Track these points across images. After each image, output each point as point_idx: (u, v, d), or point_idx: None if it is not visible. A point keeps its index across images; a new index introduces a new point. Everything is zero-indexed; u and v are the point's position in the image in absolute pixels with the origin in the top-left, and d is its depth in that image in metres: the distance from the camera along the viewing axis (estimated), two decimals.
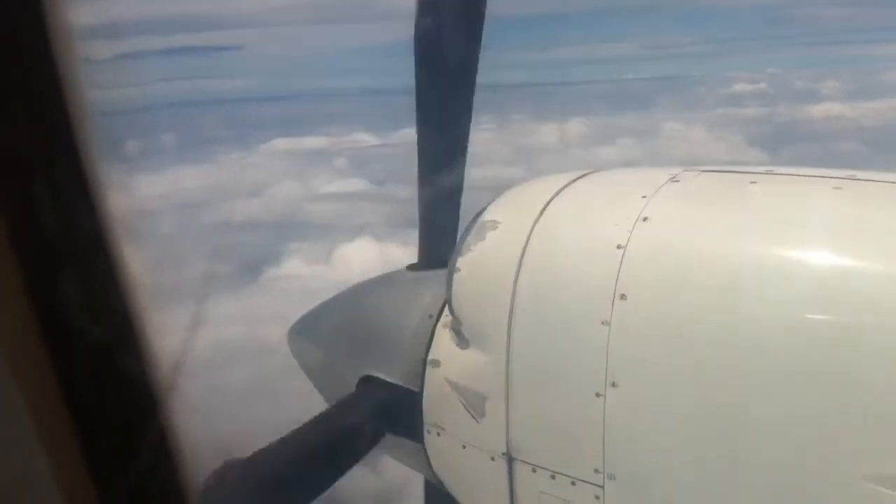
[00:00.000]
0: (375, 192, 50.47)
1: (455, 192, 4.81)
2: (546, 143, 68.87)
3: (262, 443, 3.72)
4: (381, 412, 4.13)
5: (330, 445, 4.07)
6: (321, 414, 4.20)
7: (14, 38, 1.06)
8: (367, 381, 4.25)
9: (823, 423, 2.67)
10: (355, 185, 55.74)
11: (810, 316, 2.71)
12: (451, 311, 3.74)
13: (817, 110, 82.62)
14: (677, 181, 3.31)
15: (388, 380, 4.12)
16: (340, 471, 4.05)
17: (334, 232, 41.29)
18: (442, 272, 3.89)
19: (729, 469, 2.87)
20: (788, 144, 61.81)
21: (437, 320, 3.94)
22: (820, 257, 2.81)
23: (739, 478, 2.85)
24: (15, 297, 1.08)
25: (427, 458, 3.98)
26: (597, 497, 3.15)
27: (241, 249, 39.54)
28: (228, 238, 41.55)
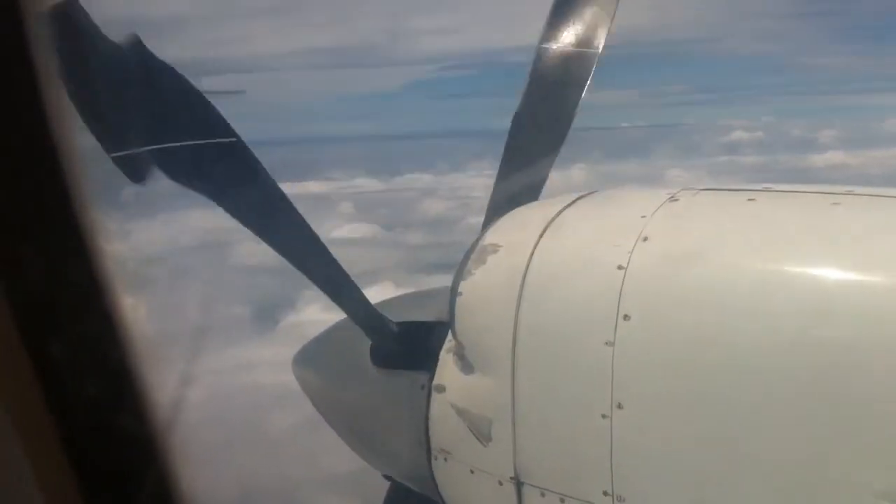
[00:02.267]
0: (386, 238, 50.33)
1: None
2: (550, 189, 68.79)
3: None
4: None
5: None
6: None
7: (4, 85, 1.05)
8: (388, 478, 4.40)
9: (831, 439, 2.64)
10: (364, 230, 55.73)
11: (814, 332, 2.68)
12: (454, 335, 3.73)
13: (820, 159, 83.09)
14: (676, 200, 3.30)
15: (403, 482, 4.23)
16: None
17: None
18: (402, 374, 4.03)
19: (737, 487, 2.83)
20: None
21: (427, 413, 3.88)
22: (821, 273, 2.79)
23: (748, 496, 2.81)
24: (12, 349, 1.06)
25: (434, 483, 3.98)
26: None
27: (256, 295, 39.23)
28: (241, 283, 41.41)
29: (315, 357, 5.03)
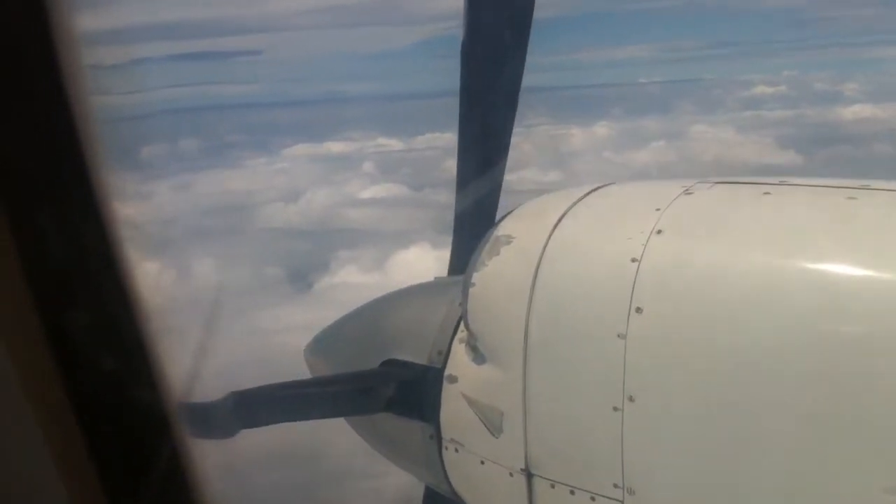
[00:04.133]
0: (416, 198, 49.87)
1: (492, 204, 5.06)
2: (577, 147, 68.43)
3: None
4: (393, 386, 4.17)
5: (331, 392, 4.38)
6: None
7: (19, 47, 1.04)
8: (387, 364, 4.28)
9: (842, 433, 2.67)
10: (392, 190, 55.49)
11: (827, 327, 2.71)
12: (467, 326, 3.76)
13: (849, 112, 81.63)
14: (690, 193, 3.29)
15: (410, 360, 4.13)
16: (328, 411, 4.46)
17: (382, 238, 40.98)
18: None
19: (748, 482, 2.85)
20: (823, 146, 61.11)
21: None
22: (835, 268, 2.80)
23: (758, 490, 2.83)
24: (25, 314, 1.06)
25: (444, 473, 4.00)
26: None
27: (288, 257, 39.03)
28: (273, 246, 41.22)
29: (327, 347, 5.00)
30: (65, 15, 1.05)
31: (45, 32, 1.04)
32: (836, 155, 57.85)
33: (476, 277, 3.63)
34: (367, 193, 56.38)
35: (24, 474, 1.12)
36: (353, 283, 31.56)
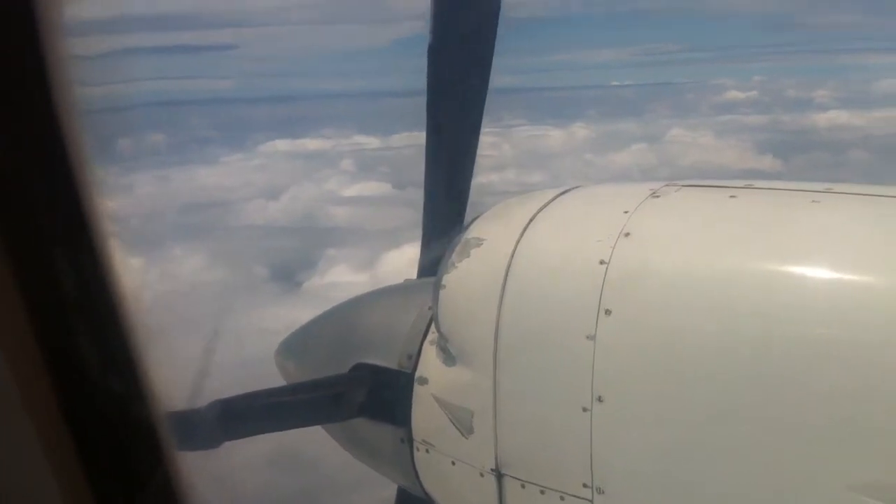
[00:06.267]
0: (400, 197, 49.45)
1: (460, 206, 5.05)
2: (557, 149, 68.50)
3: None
4: (364, 392, 4.16)
5: (303, 400, 4.31)
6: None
7: (4, 34, 1.03)
8: (357, 368, 4.24)
9: (807, 433, 2.71)
10: (375, 188, 55.15)
11: (791, 328, 2.75)
12: (438, 328, 3.77)
13: (823, 118, 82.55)
14: (658, 196, 3.34)
15: (380, 364, 4.12)
16: (301, 421, 4.42)
17: (370, 237, 40.69)
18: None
19: (716, 481, 2.91)
20: (800, 152, 61.72)
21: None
22: (800, 270, 2.85)
23: (726, 489, 2.89)
24: (15, 318, 1.05)
25: (417, 475, 4.01)
26: None
27: (275, 256, 38.40)
28: (257, 244, 40.60)
29: (298, 350, 4.98)
30: (50, 7, 1.03)
31: (30, 26, 1.02)
32: (814, 160, 58.51)
33: (446, 279, 3.64)
34: (349, 191, 55.99)
35: (16, 479, 1.11)
36: (344, 282, 31.14)
